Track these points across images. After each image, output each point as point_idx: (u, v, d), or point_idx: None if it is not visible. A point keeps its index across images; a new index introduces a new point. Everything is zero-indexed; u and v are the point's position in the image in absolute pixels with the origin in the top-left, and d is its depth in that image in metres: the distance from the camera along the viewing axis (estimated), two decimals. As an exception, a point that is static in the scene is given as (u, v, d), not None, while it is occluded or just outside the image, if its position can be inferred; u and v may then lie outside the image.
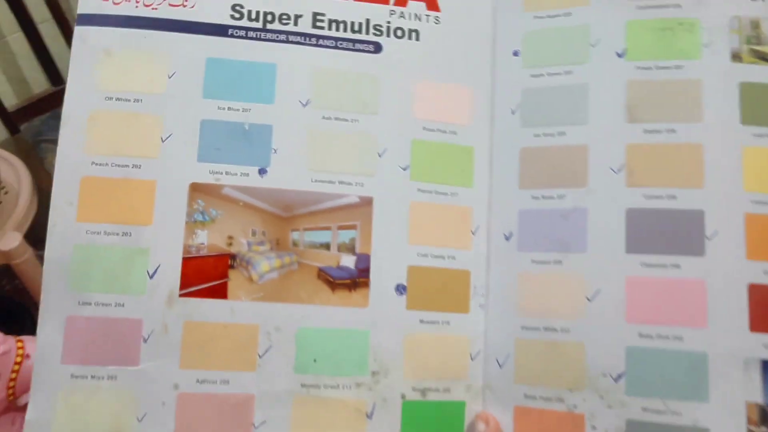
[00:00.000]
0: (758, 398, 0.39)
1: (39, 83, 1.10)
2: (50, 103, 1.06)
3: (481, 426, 0.40)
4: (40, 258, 0.83)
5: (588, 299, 0.41)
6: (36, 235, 0.81)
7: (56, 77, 1.07)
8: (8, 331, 0.95)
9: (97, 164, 0.39)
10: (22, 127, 1.03)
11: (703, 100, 0.42)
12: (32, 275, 0.82)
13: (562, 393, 0.41)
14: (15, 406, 0.54)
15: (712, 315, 0.40)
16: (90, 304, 0.38)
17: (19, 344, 0.56)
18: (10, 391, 0.52)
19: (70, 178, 0.39)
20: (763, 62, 0.42)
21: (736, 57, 0.42)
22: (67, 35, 1.08)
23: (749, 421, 0.39)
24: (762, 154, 0.41)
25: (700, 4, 0.43)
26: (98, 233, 0.38)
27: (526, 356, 0.42)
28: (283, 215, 0.40)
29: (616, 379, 0.40)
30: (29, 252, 0.80)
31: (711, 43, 0.43)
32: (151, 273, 0.38)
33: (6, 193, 0.81)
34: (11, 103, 1.05)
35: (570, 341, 0.41)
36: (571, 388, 0.41)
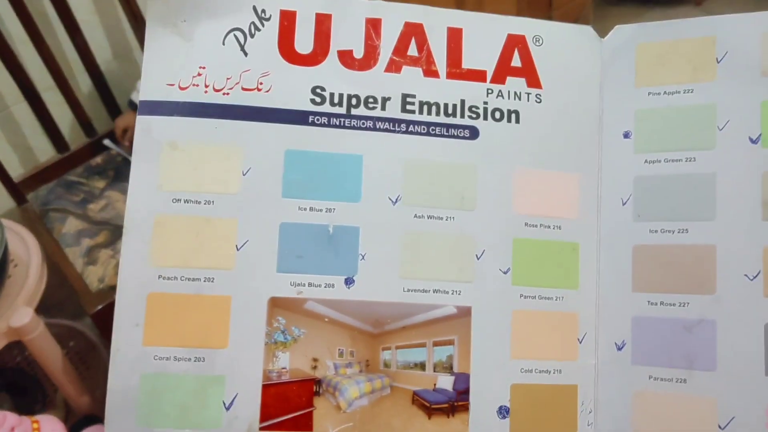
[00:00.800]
0: None
1: (44, 152, 1.09)
2: (56, 171, 1.05)
3: None
4: (49, 327, 0.80)
5: (721, 428, 0.36)
6: (43, 303, 0.78)
7: (61, 144, 1.06)
8: (19, 404, 0.92)
9: (165, 278, 0.35)
10: (29, 196, 1.01)
11: None
12: (44, 348, 0.79)
13: None
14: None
15: None
16: (161, 440, 0.33)
17: (35, 425, 0.54)
18: (35, 426, 0.49)
19: (135, 295, 0.34)
20: None
21: None
22: (72, 103, 1.07)
23: None
24: None
25: None
26: (168, 359, 0.34)
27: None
28: (373, 332, 0.36)
29: None
30: (41, 326, 0.77)
31: None
32: (227, 404, 0.34)
33: (15, 266, 0.77)
34: (17, 173, 1.04)
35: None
36: None
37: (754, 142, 0.38)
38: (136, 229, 0.35)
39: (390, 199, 0.37)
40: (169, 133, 0.36)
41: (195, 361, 0.34)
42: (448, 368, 0.36)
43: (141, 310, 0.34)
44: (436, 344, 0.36)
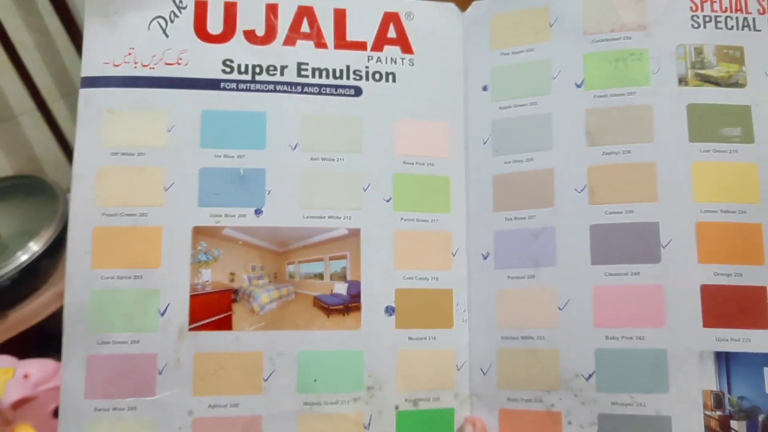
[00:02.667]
0: (713, 386, 0.43)
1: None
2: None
3: (468, 429, 0.44)
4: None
5: (560, 308, 0.46)
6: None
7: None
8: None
9: (107, 215, 0.43)
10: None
11: (654, 123, 0.46)
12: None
13: (540, 394, 0.45)
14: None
15: (670, 315, 0.44)
16: (108, 343, 0.42)
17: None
18: None
19: (83, 230, 0.43)
20: (707, 84, 0.47)
21: (682, 81, 0.47)
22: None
23: (705, 407, 0.43)
24: (709, 168, 0.45)
25: (648, 36, 0.48)
26: (112, 278, 0.42)
27: (507, 364, 0.46)
28: (279, 250, 0.44)
29: (588, 379, 0.44)
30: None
31: (659, 70, 0.47)
32: (162, 311, 0.42)
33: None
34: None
35: (546, 348, 0.45)
36: (548, 389, 0.45)
37: (578, 86, 0.48)
38: (83, 178, 0.43)
39: (290, 146, 0.46)
40: (107, 102, 0.45)
41: (134, 278, 0.43)
42: (343, 277, 0.45)
43: (89, 241, 0.43)
44: (331, 258, 0.45)
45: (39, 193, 0.74)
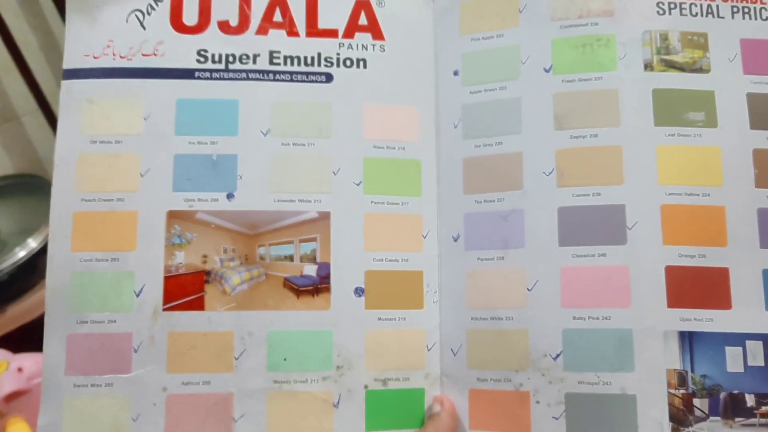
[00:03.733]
0: (677, 365, 0.44)
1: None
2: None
3: (437, 407, 0.45)
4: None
5: (528, 289, 0.46)
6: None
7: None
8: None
9: (86, 200, 0.45)
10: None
11: (620, 107, 0.47)
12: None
13: (509, 374, 0.46)
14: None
15: (635, 295, 0.45)
16: (87, 322, 0.44)
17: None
18: None
19: (64, 215, 0.45)
20: (672, 70, 0.47)
21: (648, 66, 0.47)
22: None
23: (669, 385, 0.44)
24: (673, 151, 0.46)
25: (614, 22, 0.48)
26: (91, 261, 0.44)
27: (477, 344, 0.46)
28: (251, 233, 0.46)
29: (555, 358, 0.45)
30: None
31: (626, 56, 0.48)
32: (137, 292, 0.44)
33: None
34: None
35: (515, 328, 0.46)
36: (517, 369, 0.45)
37: (547, 71, 0.48)
38: (64, 165, 0.45)
39: (261, 132, 0.47)
40: (87, 92, 0.47)
41: (111, 261, 0.44)
42: (312, 259, 0.46)
43: (69, 225, 0.45)
44: (301, 241, 0.46)
45: (39, 192, 0.76)
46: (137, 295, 0.44)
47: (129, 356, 0.43)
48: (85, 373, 0.43)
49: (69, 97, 0.46)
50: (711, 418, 0.43)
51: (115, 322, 0.44)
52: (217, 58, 0.48)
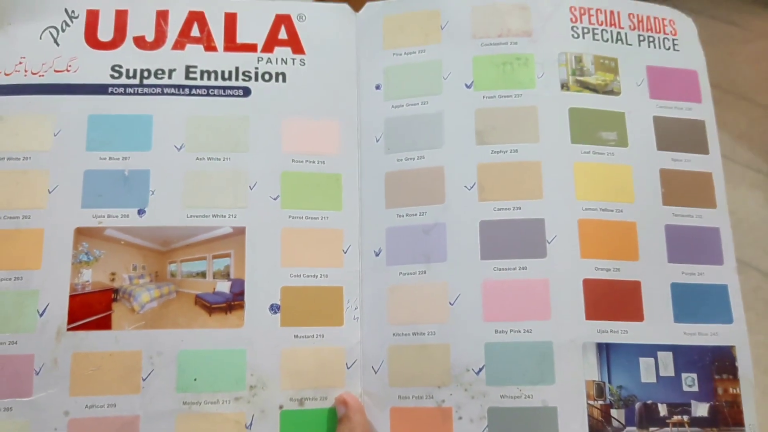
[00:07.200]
0: (595, 376, 0.43)
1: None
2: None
3: (341, 409, 0.43)
4: None
5: (451, 303, 0.45)
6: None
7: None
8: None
9: None
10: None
11: (539, 124, 0.48)
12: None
13: (431, 390, 0.44)
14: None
15: (555, 308, 0.44)
16: (-13, 344, 0.42)
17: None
18: None
19: (-34, 232, 0.43)
20: (586, 90, 0.49)
21: (564, 86, 0.49)
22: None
23: (588, 396, 0.43)
24: (589, 168, 0.47)
25: (533, 42, 0.49)
26: (-7, 280, 0.43)
27: (398, 360, 0.45)
28: (162, 250, 0.45)
29: (478, 373, 0.44)
30: None
31: (544, 75, 0.49)
32: (41, 312, 0.43)
33: None
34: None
35: (437, 343, 0.45)
36: (439, 385, 0.44)
37: (468, 87, 0.49)
38: (-32, 182, 0.44)
39: (175, 147, 0.46)
40: (-3, 109, 0.46)
41: (14, 280, 0.43)
42: (226, 275, 0.45)
43: (-28, 245, 0.43)
44: (215, 257, 0.45)
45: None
46: (40, 315, 0.43)
47: (30, 379, 0.42)
48: (-17, 397, 0.41)
49: (-22, 114, 0.46)
50: (627, 428, 0.43)
51: (16, 343, 0.42)
52: (131, 74, 0.47)
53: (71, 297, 0.43)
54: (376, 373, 0.45)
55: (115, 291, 0.44)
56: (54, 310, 0.43)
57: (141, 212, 0.45)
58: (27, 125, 0.46)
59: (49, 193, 0.44)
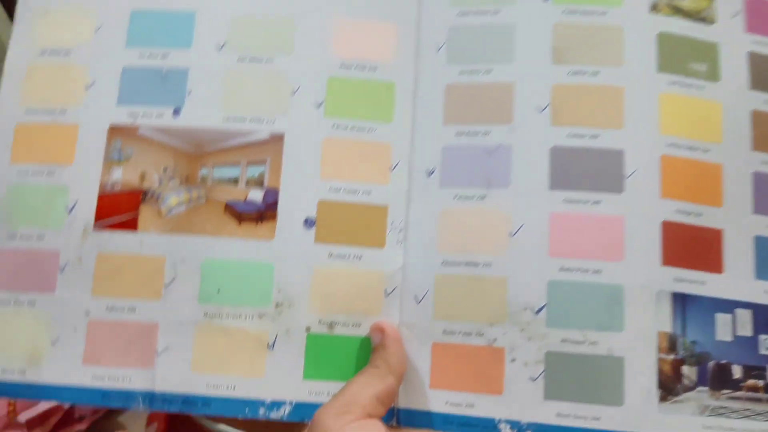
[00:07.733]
0: (668, 328, 0.37)
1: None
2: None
3: (377, 337, 0.38)
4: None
5: (511, 234, 0.39)
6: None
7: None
8: None
9: (29, 112, 0.42)
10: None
11: (624, 46, 0.42)
12: None
13: (482, 327, 0.39)
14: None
15: (629, 249, 0.38)
16: (16, 237, 0.41)
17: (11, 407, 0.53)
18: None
19: (7, 126, 0.42)
20: (678, 15, 0.42)
21: (654, 8, 0.42)
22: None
23: (660, 349, 0.37)
24: (676, 101, 0.41)
25: None
26: (27, 173, 0.42)
27: (446, 292, 0.40)
28: (194, 153, 0.42)
29: (537, 312, 0.38)
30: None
31: None
32: (69, 208, 0.41)
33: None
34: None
35: (492, 276, 0.39)
36: (491, 322, 0.39)
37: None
38: (12, 77, 0.43)
39: (216, 45, 0.43)
40: (42, 2, 0.44)
41: (47, 174, 0.41)
42: (260, 184, 0.41)
43: (10, 138, 0.42)
44: (249, 163, 0.41)
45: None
46: (69, 212, 0.41)
47: (54, 275, 0.40)
48: (9, 288, 0.40)
49: (24, 7, 0.44)
50: (699, 387, 0.37)
51: (43, 238, 0.41)
52: (175, -29, 0.44)
53: (100, 196, 0.41)
54: (418, 303, 0.40)
55: (144, 192, 0.41)
56: (82, 207, 0.41)
57: (176, 112, 0.42)
58: (70, 19, 0.44)
59: (86, 89, 0.43)
